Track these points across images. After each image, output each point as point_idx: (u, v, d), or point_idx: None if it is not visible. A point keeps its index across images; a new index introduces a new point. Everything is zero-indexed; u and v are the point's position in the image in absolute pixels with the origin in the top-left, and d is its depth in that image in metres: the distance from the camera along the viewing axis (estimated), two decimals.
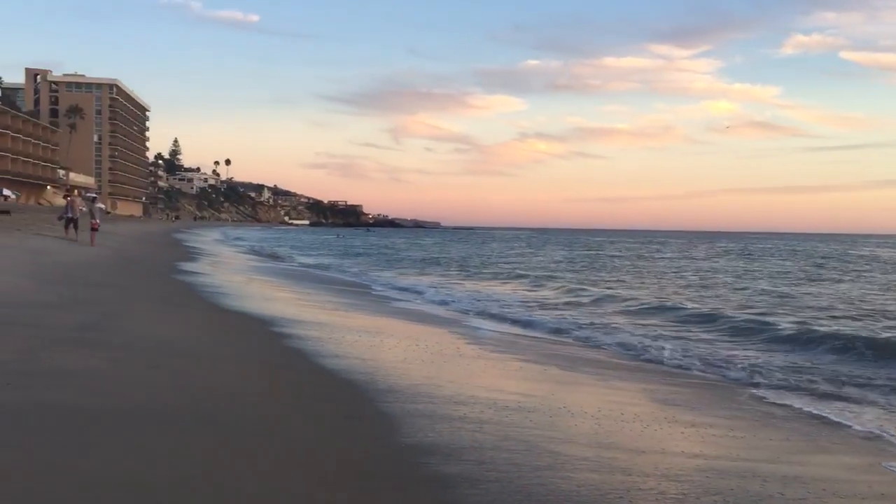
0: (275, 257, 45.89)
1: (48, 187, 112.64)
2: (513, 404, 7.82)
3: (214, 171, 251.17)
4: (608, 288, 27.92)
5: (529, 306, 21.07)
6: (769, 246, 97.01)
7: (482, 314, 18.15)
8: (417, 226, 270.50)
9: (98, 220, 31.42)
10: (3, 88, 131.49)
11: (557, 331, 15.72)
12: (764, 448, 6.92)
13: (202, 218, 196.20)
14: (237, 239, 79.40)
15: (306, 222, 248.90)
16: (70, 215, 30.74)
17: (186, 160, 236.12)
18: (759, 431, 7.59)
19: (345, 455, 5.49)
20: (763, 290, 28.46)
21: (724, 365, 11.65)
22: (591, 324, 16.88)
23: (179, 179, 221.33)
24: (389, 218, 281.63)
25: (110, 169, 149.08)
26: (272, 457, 5.26)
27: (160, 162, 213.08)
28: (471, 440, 6.23)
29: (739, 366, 11.61)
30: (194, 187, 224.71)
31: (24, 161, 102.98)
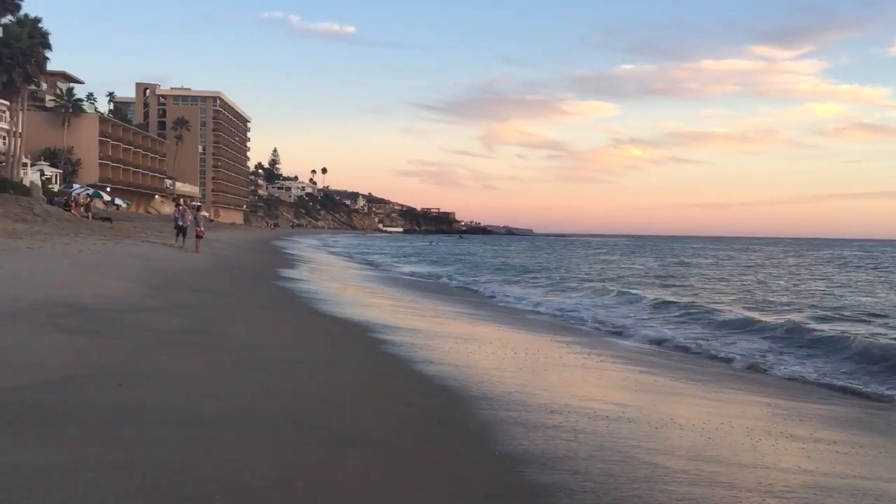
0: (372, 265, 46.56)
1: (156, 196, 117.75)
2: (609, 413, 7.68)
3: (311, 180, 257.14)
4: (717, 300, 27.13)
5: (625, 315, 20.71)
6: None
7: (577, 320, 17.93)
8: (510, 233, 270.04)
9: (202, 228, 32.61)
10: (115, 102, 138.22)
11: (655, 340, 15.40)
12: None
13: (299, 225, 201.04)
14: (333, 246, 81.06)
15: (400, 229, 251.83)
16: (181, 223, 31.95)
17: (285, 169, 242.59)
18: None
19: (440, 461, 5.50)
20: None
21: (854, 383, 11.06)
22: (693, 337, 16.46)
23: (278, 188, 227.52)
24: (482, 225, 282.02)
25: (213, 178, 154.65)
26: (368, 461, 5.31)
27: (260, 171, 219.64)
28: (565, 449, 6.15)
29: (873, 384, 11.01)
30: (292, 195, 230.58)
31: (134, 171, 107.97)
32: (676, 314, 20.61)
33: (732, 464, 6.17)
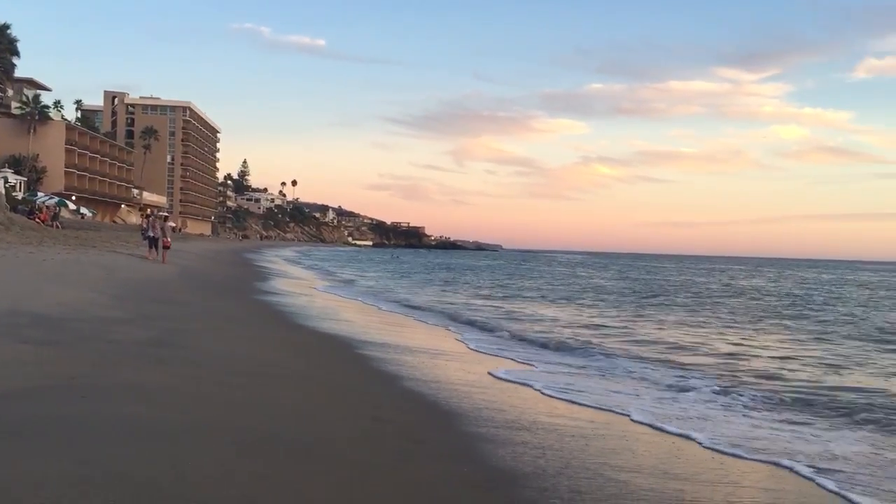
0: (339, 278, 46.35)
1: (122, 206, 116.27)
2: (577, 430, 7.73)
3: (281, 192, 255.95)
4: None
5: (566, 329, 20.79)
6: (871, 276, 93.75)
7: (521, 339, 17.64)
8: (479, 248, 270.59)
9: (169, 239, 32.24)
10: (83, 110, 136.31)
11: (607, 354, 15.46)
12: None
13: (268, 237, 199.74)
14: (303, 258, 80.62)
15: (369, 243, 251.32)
16: (152, 234, 31.40)
17: (254, 181, 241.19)
18: None
19: (410, 478, 5.50)
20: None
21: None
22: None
23: (247, 199, 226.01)
24: (451, 240, 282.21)
25: (181, 188, 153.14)
26: (337, 478, 5.29)
27: (229, 182, 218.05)
28: (533, 466, 6.18)
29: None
30: (261, 207, 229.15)
31: (100, 180, 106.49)
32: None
33: (698, 481, 6.24)
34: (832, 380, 12.46)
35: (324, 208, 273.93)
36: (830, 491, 6.19)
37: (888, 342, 18.97)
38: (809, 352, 16.46)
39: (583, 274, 69.80)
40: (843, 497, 6.04)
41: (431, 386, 9.77)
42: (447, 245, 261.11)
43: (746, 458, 7.09)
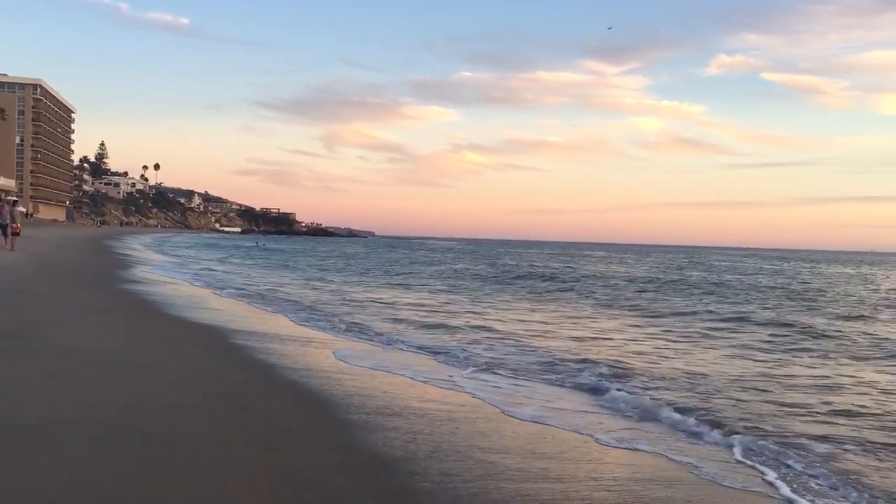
0: (203, 266, 44.96)
1: None
2: (446, 415, 7.87)
3: (143, 176, 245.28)
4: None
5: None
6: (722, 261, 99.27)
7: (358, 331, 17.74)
8: (351, 235, 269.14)
9: (18, 224, 30.27)
10: None
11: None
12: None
13: (129, 223, 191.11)
14: (166, 245, 77.64)
15: (238, 229, 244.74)
16: (1, 222, 29.31)
17: (113, 164, 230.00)
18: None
19: (279, 468, 5.44)
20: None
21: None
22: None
23: (106, 184, 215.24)
24: (323, 226, 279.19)
25: (32, 171, 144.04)
26: (204, 470, 5.17)
27: (86, 165, 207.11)
28: (404, 451, 6.25)
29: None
30: (121, 192, 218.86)
31: None
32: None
33: (563, 459, 6.49)
34: (669, 363, 13.20)
35: (189, 194, 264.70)
36: (678, 461, 6.58)
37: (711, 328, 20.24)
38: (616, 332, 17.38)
39: (448, 259, 70.68)
40: (694, 467, 6.44)
41: (301, 374, 9.69)
42: (318, 232, 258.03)
43: (605, 442, 7.43)
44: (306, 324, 16.25)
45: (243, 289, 25.81)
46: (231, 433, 6.29)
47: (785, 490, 5.98)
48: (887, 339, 17.32)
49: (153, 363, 9.52)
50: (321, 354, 11.76)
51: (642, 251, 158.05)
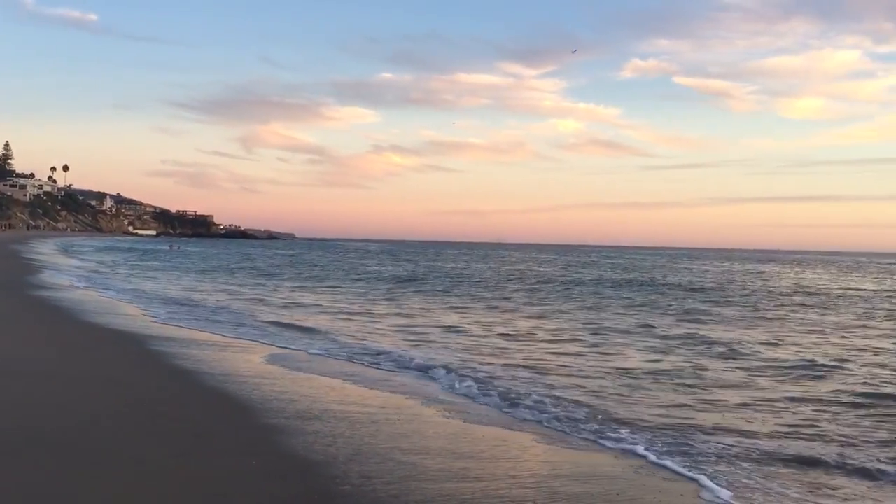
0: (114, 270, 43.59)
1: None
2: (367, 417, 7.83)
3: (51, 178, 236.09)
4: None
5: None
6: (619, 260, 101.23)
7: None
8: (271, 237, 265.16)
9: None
10: None
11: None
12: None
13: (36, 227, 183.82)
14: (74, 249, 74.92)
15: (153, 232, 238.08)
16: None
17: (19, 165, 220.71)
18: None
19: (194, 474, 5.32)
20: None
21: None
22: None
23: (11, 186, 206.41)
24: (242, 229, 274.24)
25: None
26: (119, 478, 5.02)
27: None
28: (324, 455, 6.20)
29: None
30: (28, 194, 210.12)
31: None
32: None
33: (482, 458, 6.54)
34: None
35: (101, 196, 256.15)
36: (597, 454, 6.73)
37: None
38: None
39: (366, 263, 70.38)
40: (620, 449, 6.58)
41: (219, 379, 9.50)
42: (237, 234, 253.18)
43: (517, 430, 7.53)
44: (222, 328, 15.93)
45: (158, 294, 25.14)
46: (145, 441, 6.13)
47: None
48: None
49: (66, 370, 9.19)
50: (240, 359, 11.55)
51: (562, 251, 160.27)
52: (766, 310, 24.91)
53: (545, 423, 8.11)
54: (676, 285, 38.71)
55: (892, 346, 15.96)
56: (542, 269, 57.73)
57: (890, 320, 22.35)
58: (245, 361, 11.33)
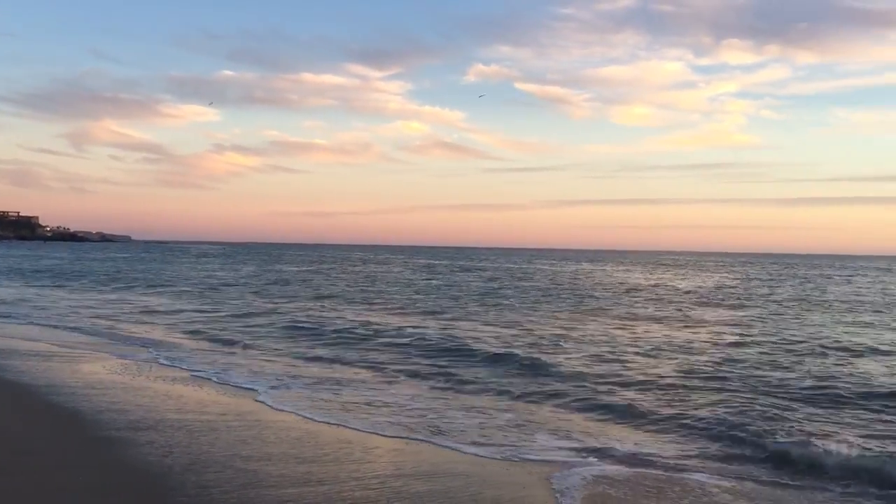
0: None
1: None
2: (206, 425, 7.58)
3: None
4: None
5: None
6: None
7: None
8: (105, 240, 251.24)
9: None
10: None
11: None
12: None
13: None
14: None
15: None
16: None
17: None
18: None
19: (18, 493, 4.97)
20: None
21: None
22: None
23: None
24: (71, 231, 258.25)
25: None
26: None
27: None
28: (159, 466, 5.96)
29: None
30: None
31: None
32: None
33: (325, 461, 6.49)
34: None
35: None
36: (439, 452, 6.84)
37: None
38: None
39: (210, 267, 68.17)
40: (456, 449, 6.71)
41: (44, 391, 8.92)
42: (66, 237, 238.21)
43: (374, 433, 7.54)
44: (41, 336, 14.96)
45: None
46: None
47: None
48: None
49: None
50: (67, 369, 10.88)
51: (411, 251, 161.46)
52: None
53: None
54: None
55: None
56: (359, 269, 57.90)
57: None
58: (73, 372, 10.68)
